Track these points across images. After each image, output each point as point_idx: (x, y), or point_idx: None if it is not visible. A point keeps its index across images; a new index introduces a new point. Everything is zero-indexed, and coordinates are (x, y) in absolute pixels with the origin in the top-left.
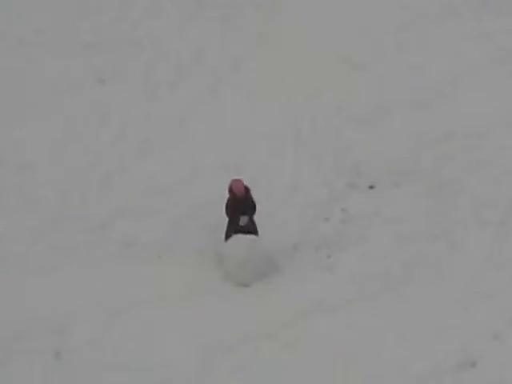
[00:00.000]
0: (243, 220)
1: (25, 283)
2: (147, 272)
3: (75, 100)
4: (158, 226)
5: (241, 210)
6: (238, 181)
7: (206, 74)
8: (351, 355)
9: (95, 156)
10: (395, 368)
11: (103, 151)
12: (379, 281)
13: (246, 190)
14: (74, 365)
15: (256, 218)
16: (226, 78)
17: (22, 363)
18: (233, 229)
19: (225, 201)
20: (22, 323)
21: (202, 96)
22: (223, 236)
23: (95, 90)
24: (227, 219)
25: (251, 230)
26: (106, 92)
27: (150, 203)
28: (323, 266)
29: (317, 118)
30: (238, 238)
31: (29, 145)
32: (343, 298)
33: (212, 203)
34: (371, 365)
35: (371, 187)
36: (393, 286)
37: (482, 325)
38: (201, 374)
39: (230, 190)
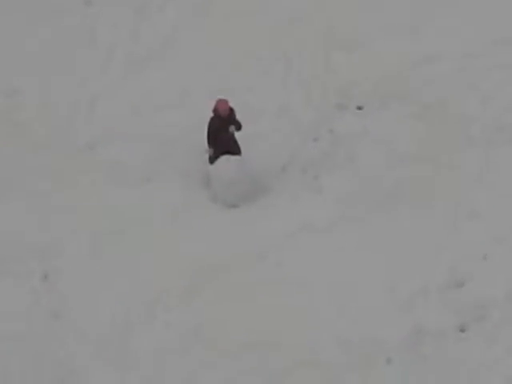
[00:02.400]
0: (231, 128)
1: (11, 207)
2: (135, 194)
3: (62, 21)
4: (145, 148)
5: (225, 130)
6: (223, 101)
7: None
8: (340, 275)
9: (82, 78)
10: (383, 288)
11: (90, 74)
12: (367, 202)
13: (231, 110)
14: (62, 287)
15: (244, 139)
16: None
17: (10, 285)
18: (217, 150)
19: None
20: (9, 246)
21: (189, 17)
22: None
23: (82, 12)
24: (208, 144)
25: (235, 151)
26: (93, 13)
27: (138, 126)
28: (311, 187)
29: (305, 41)
30: (225, 159)
31: (16, 70)
32: (331, 219)
33: (200, 126)
34: (359, 284)
35: (359, 108)
36: (381, 207)
37: (471, 245)
38: (191, 294)
39: (215, 110)
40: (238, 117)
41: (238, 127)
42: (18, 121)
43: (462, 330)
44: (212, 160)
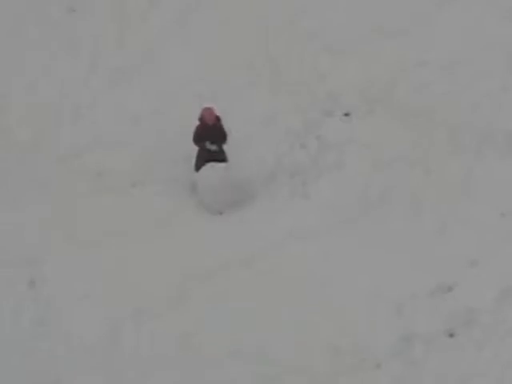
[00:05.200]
0: (211, 146)
1: None
2: (121, 202)
3: (46, 28)
4: (131, 156)
5: (211, 138)
6: (209, 109)
7: (178, 3)
8: (328, 281)
9: (67, 87)
10: (372, 294)
11: (75, 81)
12: (355, 207)
13: (217, 118)
14: (48, 293)
15: (231, 146)
16: (198, 6)
17: None
18: (203, 158)
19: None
20: None
21: (173, 25)
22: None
23: (65, 20)
24: (197, 149)
25: (221, 158)
26: (77, 22)
27: (123, 133)
28: (299, 193)
29: (292, 47)
30: (211, 167)
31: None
32: (319, 225)
33: (186, 133)
34: (347, 291)
35: (346, 115)
36: (369, 213)
37: (459, 250)
38: (178, 301)
39: (201, 118)
40: (225, 124)
41: (224, 137)
42: (1, 127)
43: (451, 335)
44: (198, 167)
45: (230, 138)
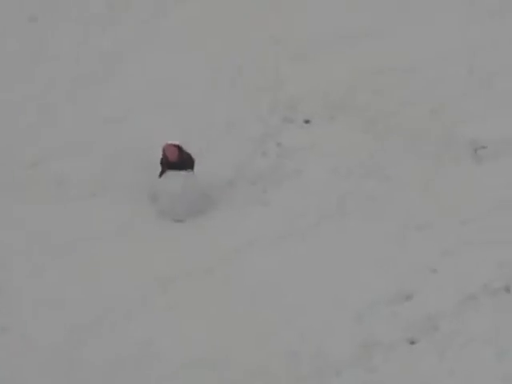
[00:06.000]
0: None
1: None
2: (82, 210)
3: (6, 38)
4: (91, 164)
5: (178, 168)
6: (171, 146)
7: (142, 9)
8: (288, 288)
9: (28, 94)
10: (332, 301)
11: (35, 89)
12: (315, 214)
13: (180, 154)
14: (10, 299)
15: (192, 153)
16: (165, 12)
17: None
18: (167, 165)
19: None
20: None
21: (137, 33)
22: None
23: (26, 28)
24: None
25: (187, 166)
26: (39, 30)
27: (83, 141)
28: (259, 200)
29: (251, 53)
30: (171, 174)
31: None
32: (279, 232)
33: (147, 141)
34: (307, 298)
35: (307, 122)
36: (329, 220)
37: (419, 257)
38: (139, 310)
39: (164, 156)
40: (185, 134)
41: (191, 165)
42: None
43: (412, 343)
44: (159, 174)
45: (190, 145)
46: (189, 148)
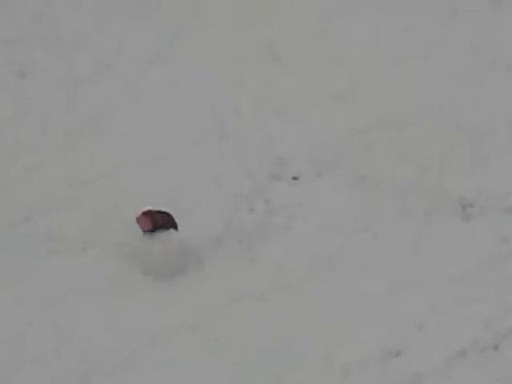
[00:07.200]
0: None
1: None
2: (70, 265)
3: None
4: (80, 219)
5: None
6: (142, 216)
7: (127, 67)
8: (275, 345)
9: (17, 150)
10: (319, 358)
11: (25, 144)
12: (303, 271)
13: (154, 221)
14: None
15: (178, 210)
16: (148, 70)
17: None
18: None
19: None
20: None
21: (123, 89)
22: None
23: (16, 84)
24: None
25: (167, 227)
26: (27, 85)
27: (72, 197)
28: (247, 257)
29: (239, 110)
30: (152, 235)
31: None
32: (266, 290)
33: (135, 197)
34: (294, 356)
35: (295, 178)
36: (316, 277)
37: (407, 314)
38: (124, 367)
39: (139, 226)
40: (172, 191)
41: (173, 225)
42: None
43: None
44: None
45: (177, 201)
46: (176, 204)
